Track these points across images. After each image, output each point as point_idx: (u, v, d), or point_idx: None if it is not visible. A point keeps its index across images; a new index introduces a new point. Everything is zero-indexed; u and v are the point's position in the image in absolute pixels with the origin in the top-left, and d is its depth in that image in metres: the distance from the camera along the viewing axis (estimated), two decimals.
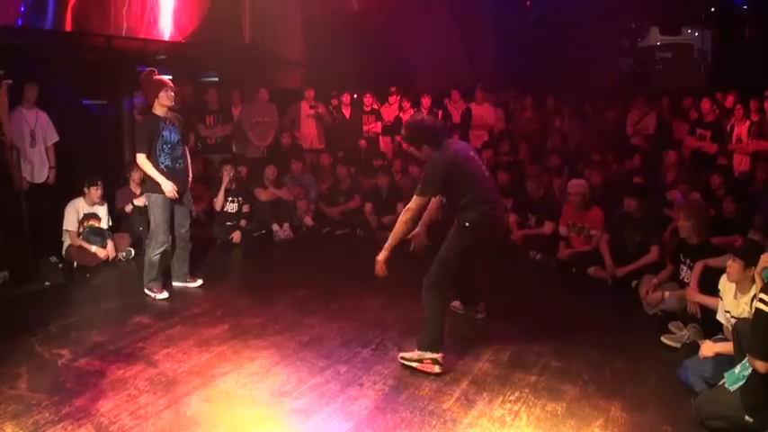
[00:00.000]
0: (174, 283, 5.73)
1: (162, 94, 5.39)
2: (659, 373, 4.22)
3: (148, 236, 5.64)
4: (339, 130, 9.41)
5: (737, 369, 3.50)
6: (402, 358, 4.20)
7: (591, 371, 4.22)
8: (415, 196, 4.13)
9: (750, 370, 3.39)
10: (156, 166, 5.38)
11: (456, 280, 4.57)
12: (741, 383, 3.44)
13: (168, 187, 5.35)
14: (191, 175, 5.75)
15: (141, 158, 5.37)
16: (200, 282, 5.81)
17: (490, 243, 4.63)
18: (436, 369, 4.08)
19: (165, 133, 5.41)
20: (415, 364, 4.13)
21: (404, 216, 4.15)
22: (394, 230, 4.19)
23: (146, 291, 5.51)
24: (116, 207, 6.85)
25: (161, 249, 5.46)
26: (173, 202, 5.47)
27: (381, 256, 4.17)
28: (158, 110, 5.43)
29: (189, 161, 5.73)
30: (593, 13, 11.16)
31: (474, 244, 4.24)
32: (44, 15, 7.86)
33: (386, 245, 4.19)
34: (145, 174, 5.46)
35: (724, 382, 3.56)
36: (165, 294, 5.50)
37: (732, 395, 3.45)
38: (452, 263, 4.21)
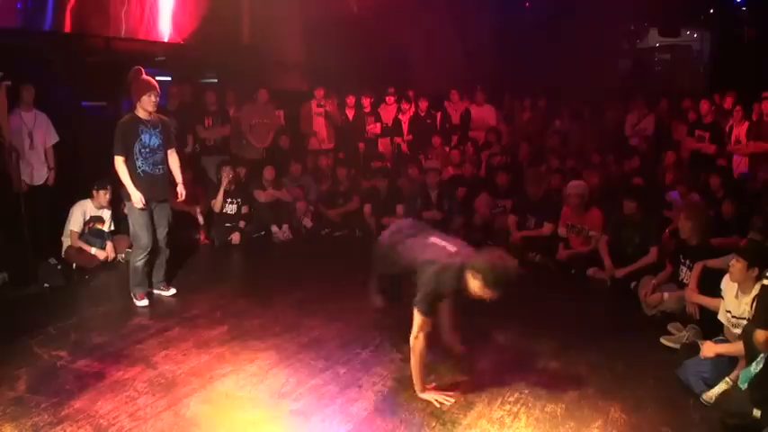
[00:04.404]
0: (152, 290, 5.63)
1: (144, 98, 5.19)
2: (658, 374, 4.23)
3: (131, 241, 5.56)
4: (344, 131, 9.44)
5: (752, 367, 3.54)
6: None
7: (590, 372, 4.22)
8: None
9: (762, 365, 3.42)
10: (134, 170, 5.21)
11: None
12: (751, 379, 3.46)
13: (136, 198, 5.17)
14: (179, 181, 5.51)
15: (118, 162, 5.19)
16: (173, 291, 5.63)
17: None
18: None
19: (145, 137, 5.22)
20: None
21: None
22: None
23: (131, 295, 5.46)
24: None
25: (144, 254, 5.37)
26: (149, 204, 5.32)
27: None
28: (140, 112, 5.25)
29: (175, 167, 5.51)
30: (593, 15, 11.17)
31: None
32: (43, 17, 7.88)
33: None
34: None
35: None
36: (145, 302, 5.39)
37: (743, 392, 3.48)
38: None
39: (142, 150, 5.23)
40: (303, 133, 9.28)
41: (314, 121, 9.24)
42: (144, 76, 5.27)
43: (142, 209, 5.23)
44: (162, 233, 5.51)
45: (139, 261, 5.37)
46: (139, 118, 5.26)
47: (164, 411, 3.65)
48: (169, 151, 5.49)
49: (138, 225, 5.33)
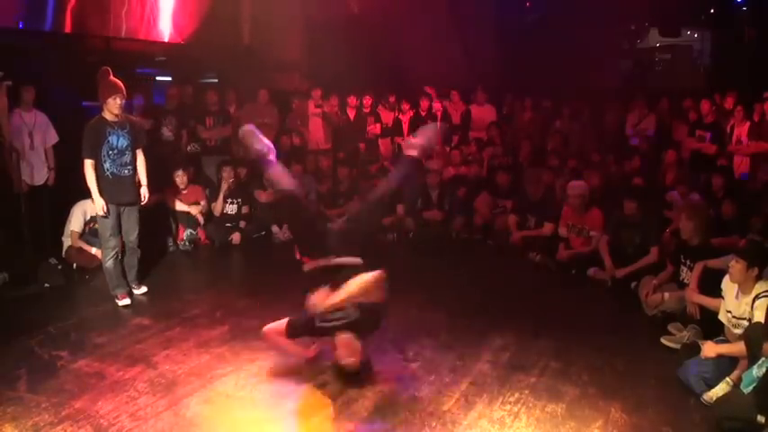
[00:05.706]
0: None
1: (110, 101, 5.20)
2: (659, 374, 4.23)
3: (100, 243, 5.57)
4: (344, 132, 9.42)
5: (754, 371, 3.53)
6: None
7: (590, 372, 4.22)
8: None
9: (765, 370, 3.41)
10: (101, 173, 5.22)
11: None
12: (755, 384, 3.45)
13: (99, 205, 5.21)
14: (144, 183, 5.47)
15: (87, 165, 5.19)
16: (144, 289, 5.68)
17: None
18: None
19: (112, 138, 5.23)
20: None
21: None
22: None
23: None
24: None
25: (113, 254, 5.39)
26: (118, 207, 5.35)
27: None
28: (107, 114, 5.26)
29: (141, 167, 5.49)
30: (593, 15, 11.16)
31: None
32: (43, 17, 7.88)
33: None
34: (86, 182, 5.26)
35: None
36: (127, 301, 5.42)
37: (747, 396, 3.47)
38: None
39: (110, 153, 5.24)
40: (290, 129, 9.06)
41: (310, 122, 9.21)
42: (111, 77, 5.25)
43: (104, 216, 5.27)
44: (132, 235, 5.51)
45: (108, 261, 5.40)
46: (106, 120, 5.26)
47: (164, 411, 3.65)
48: (137, 151, 5.47)
49: (102, 227, 5.38)
